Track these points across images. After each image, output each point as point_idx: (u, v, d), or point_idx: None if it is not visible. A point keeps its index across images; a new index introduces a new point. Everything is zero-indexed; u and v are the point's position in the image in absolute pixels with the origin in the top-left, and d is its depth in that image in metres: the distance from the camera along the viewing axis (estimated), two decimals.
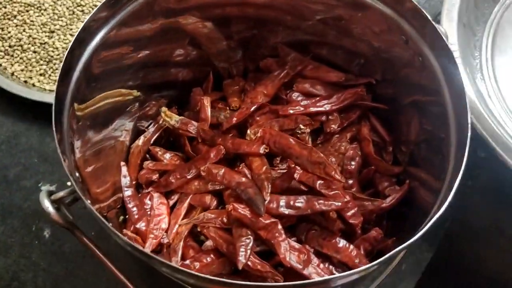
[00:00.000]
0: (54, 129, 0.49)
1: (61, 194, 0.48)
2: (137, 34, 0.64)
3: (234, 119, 0.67)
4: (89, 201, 0.45)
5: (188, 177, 0.64)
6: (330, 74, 0.70)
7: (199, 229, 0.63)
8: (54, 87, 0.84)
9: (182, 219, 0.64)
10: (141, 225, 0.63)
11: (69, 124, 0.53)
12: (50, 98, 0.84)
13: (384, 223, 0.66)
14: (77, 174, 0.50)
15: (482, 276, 0.87)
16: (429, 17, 0.54)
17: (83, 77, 0.56)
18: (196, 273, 0.45)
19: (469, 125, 0.50)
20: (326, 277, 0.53)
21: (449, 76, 0.54)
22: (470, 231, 0.86)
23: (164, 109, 0.69)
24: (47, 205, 0.48)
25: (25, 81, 0.87)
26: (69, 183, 0.81)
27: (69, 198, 0.49)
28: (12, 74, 0.88)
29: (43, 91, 0.86)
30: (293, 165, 0.59)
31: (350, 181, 0.66)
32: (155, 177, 0.66)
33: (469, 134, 0.50)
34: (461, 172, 0.48)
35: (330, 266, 0.59)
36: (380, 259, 0.45)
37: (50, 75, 0.88)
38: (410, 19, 0.57)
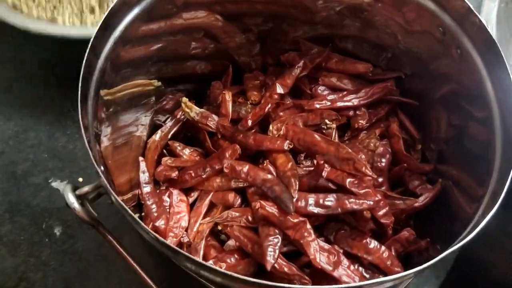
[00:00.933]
0: (80, 115, 0.46)
1: (86, 189, 0.45)
2: (157, 25, 0.61)
3: (249, 121, 0.65)
4: (116, 196, 0.42)
5: (203, 176, 0.62)
6: (356, 65, 0.68)
7: (220, 228, 0.60)
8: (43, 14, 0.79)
9: (203, 217, 0.61)
10: (160, 223, 0.60)
11: (93, 113, 0.50)
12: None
13: (411, 223, 0.64)
14: (102, 168, 0.47)
15: (492, 281, 0.84)
16: (471, 6, 0.51)
17: (108, 64, 0.53)
18: (228, 272, 0.42)
19: None
20: (361, 283, 0.50)
21: (493, 70, 0.51)
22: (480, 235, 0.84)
23: (184, 99, 0.67)
24: (73, 200, 0.45)
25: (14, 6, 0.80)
26: (80, 179, 0.78)
27: (93, 194, 0.46)
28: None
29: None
30: (321, 162, 0.56)
31: (380, 179, 0.63)
32: (174, 174, 0.63)
33: None
34: (508, 181, 0.45)
35: (360, 268, 0.56)
36: (427, 263, 0.42)
37: None
38: (449, 9, 0.54)
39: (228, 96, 0.66)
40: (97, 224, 0.47)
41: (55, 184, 0.78)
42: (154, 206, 0.60)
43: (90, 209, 0.46)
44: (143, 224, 0.41)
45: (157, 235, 0.41)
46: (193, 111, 0.66)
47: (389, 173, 0.64)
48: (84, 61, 0.49)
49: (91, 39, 0.51)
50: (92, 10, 0.80)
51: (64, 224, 0.74)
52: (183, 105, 0.67)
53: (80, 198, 0.45)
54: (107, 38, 0.54)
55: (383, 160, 0.64)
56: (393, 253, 0.57)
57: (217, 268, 0.40)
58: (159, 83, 0.66)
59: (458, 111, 0.60)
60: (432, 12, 0.56)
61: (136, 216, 0.62)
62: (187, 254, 0.41)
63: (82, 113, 0.47)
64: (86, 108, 0.49)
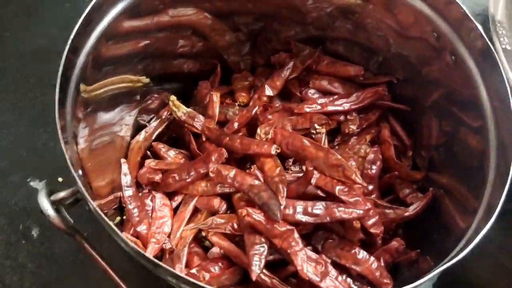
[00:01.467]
0: (57, 115, 0.44)
1: (62, 194, 0.43)
2: (143, 21, 0.59)
3: (236, 124, 0.63)
4: (94, 204, 0.40)
5: (188, 180, 0.59)
6: (347, 67, 0.66)
7: (204, 234, 0.58)
8: None
9: (187, 223, 0.59)
10: (142, 228, 0.57)
11: (72, 112, 0.48)
12: None
13: (400, 231, 0.62)
14: (80, 171, 0.45)
15: None
16: (467, 11, 0.50)
17: (89, 61, 0.51)
18: None
19: None
20: None
21: (489, 78, 0.50)
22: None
23: (172, 97, 0.65)
24: (47, 207, 0.42)
25: None
26: (60, 179, 0.76)
27: (70, 200, 0.43)
28: None
29: None
30: (310, 168, 0.54)
31: (371, 187, 0.61)
32: (157, 177, 0.60)
33: None
34: (503, 195, 0.43)
35: (348, 279, 0.54)
36: (418, 281, 0.40)
37: None
38: (445, 15, 0.53)
39: (215, 97, 0.64)
40: (73, 232, 0.44)
41: (34, 183, 0.75)
42: (136, 210, 0.58)
43: (66, 216, 0.44)
44: (121, 234, 0.38)
45: (136, 246, 0.39)
46: (181, 110, 0.64)
47: (379, 181, 0.63)
48: (63, 59, 0.46)
49: (72, 35, 0.48)
50: None
51: (42, 225, 0.72)
52: (170, 103, 0.65)
53: (56, 203, 0.43)
54: (89, 34, 0.51)
55: (374, 167, 0.62)
56: (382, 264, 0.55)
57: (199, 283, 0.38)
58: (148, 80, 0.63)
59: (450, 117, 0.59)
60: (427, 16, 0.54)
61: (117, 219, 0.61)
62: (166, 266, 0.39)
63: (59, 113, 0.44)
64: (64, 108, 0.46)
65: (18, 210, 0.73)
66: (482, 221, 0.45)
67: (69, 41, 0.48)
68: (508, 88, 0.47)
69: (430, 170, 0.63)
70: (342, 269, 0.55)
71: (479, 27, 0.49)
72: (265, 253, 0.51)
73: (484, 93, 0.51)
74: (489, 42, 0.48)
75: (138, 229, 0.57)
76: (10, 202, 0.74)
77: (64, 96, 0.49)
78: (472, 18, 0.49)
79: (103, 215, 0.39)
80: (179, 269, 0.54)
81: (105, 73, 0.57)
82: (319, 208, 0.54)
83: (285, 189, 0.54)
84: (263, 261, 0.51)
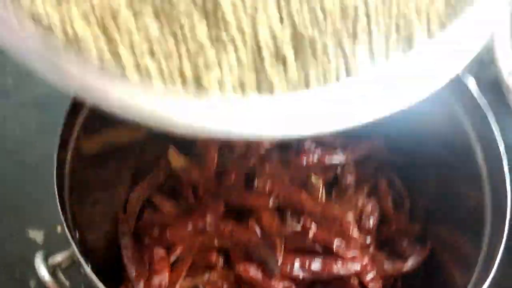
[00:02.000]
0: (55, 176, 0.44)
1: (58, 259, 0.43)
2: None
3: (233, 176, 0.63)
4: (90, 267, 0.40)
5: (185, 234, 0.59)
6: None
7: None
8: None
9: (185, 277, 0.58)
10: (140, 283, 0.57)
11: (71, 167, 0.48)
12: None
13: (399, 284, 0.62)
14: (77, 234, 0.45)
15: None
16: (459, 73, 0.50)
17: (90, 115, 0.52)
18: None
19: (509, 193, 0.46)
20: None
21: (482, 135, 0.50)
22: None
23: (171, 148, 0.65)
24: (44, 273, 0.43)
25: None
26: (59, 229, 0.75)
27: (67, 263, 0.44)
28: None
29: None
30: (308, 223, 0.55)
31: (368, 239, 0.61)
32: (155, 231, 0.60)
33: (509, 203, 0.46)
34: (501, 249, 0.44)
35: None
36: None
37: None
38: None
39: (213, 149, 0.64)
40: None
41: (32, 233, 0.74)
42: (133, 265, 0.58)
43: (63, 281, 0.44)
44: None
45: None
46: (179, 163, 0.65)
47: (377, 233, 0.63)
48: (65, 113, 0.47)
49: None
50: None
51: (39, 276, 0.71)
52: (169, 154, 0.66)
53: (53, 267, 0.43)
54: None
55: (371, 219, 0.62)
56: None
57: None
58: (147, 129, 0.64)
59: (446, 168, 0.59)
60: None
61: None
62: None
63: (57, 172, 0.45)
64: (63, 165, 0.47)
65: (15, 259, 0.72)
66: (481, 273, 0.45)
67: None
68: (501, 146, 0.48)
69: (428, 221, 0.63)
70: None
71: (470, 82, 0.50)
72: None
73: (478, 151, 0.51)
74: (478, 100, 0.49)
75: (135, 284, 0.57)
76: (7, 251, 0.73)
77: (64, 153, 0.50)
78: (459, 74, 0.50)
79: (96, 280, 0.39)
80: None
81: (106, 124, 0.58)
82: (316, 263, 0.54)
83: (282, 244, 0.54)
84: None
